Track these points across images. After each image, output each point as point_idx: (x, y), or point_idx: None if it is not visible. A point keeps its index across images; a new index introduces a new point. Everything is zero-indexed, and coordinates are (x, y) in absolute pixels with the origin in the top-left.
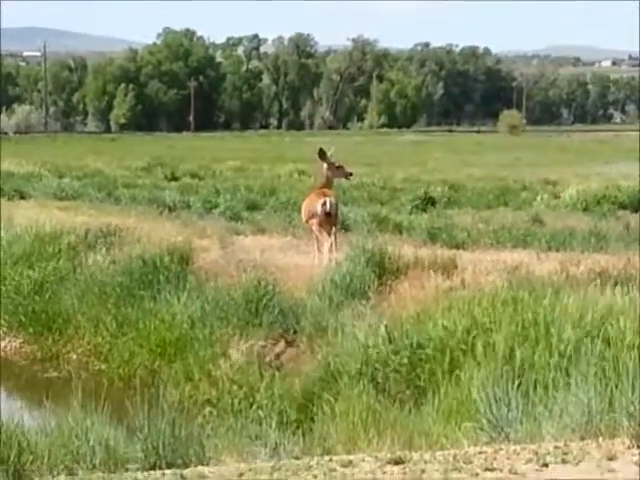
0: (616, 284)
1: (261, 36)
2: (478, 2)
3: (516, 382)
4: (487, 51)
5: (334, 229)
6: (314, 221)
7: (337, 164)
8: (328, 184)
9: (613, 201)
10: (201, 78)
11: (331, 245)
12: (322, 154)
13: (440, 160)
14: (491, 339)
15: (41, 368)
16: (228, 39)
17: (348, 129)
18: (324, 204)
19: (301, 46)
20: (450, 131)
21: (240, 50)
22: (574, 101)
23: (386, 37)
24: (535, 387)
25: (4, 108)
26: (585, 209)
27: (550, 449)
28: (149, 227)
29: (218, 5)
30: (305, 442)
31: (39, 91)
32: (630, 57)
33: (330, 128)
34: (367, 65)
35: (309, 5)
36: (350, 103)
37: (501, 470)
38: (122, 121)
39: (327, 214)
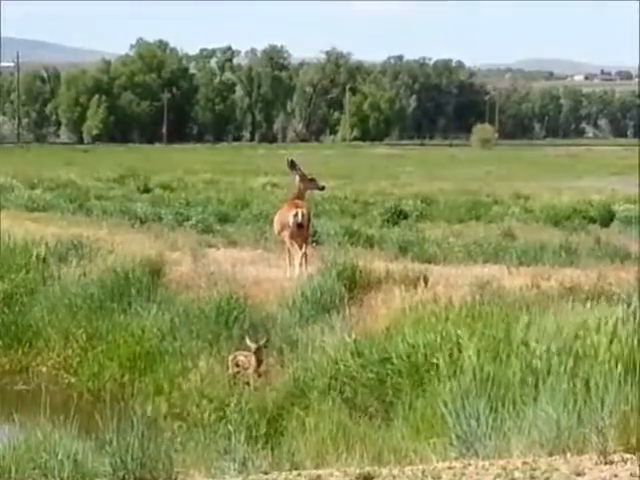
0: (587, 299)
1: (234, 48)
2: (451, 15)
3: (485, 397)
4: (460, 64)
5: (305, 242)
6: (286, 233)
7: (309, 176)
8: (300, 196)
9: (584, 215)
10: (174, 90)
11: (302, 258)
12: (292, 165)
13: (412, 173)
14: (461, 354)
15: (10, 381)
16: (201, 51)
17: (321, 142)
18: (296, 215)
19: (274, 58)
20: (423, 144)
21: (213, 62)
22: (546, 115)
23: (359, 50)
24: (504, 403)
25: None
26: (556, 223)
27: (518, 465)
28: (120, 239)
29: (191, 17)
30: (274, 457)
31: (12, 102)
32: (602, 72)
33: (303, 141)
34: (340, 78)
35: (283, 17)
36: (323, 116)
37: None
38: (95, 132)
39: (299, 225)
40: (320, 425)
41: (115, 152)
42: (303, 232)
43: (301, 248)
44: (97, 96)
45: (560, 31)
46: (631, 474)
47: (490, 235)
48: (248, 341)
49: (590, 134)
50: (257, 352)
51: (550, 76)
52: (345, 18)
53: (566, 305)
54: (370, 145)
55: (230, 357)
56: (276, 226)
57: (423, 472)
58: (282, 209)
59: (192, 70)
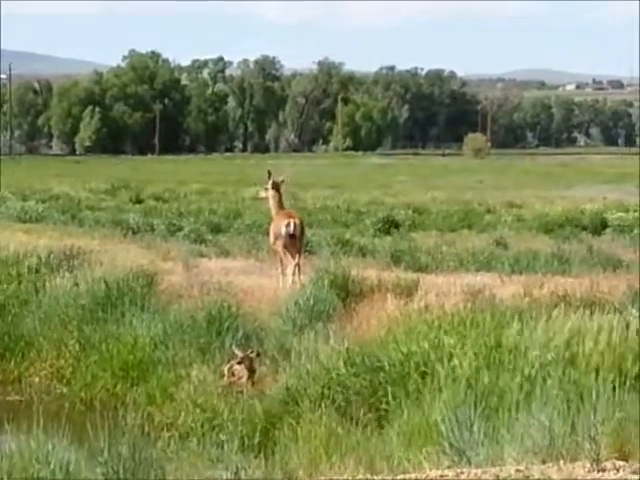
0: (579, 307)
1: (226, 59)
2: (443, 25)
3: (478, 405)
4: (452, 74)
5: (299, 252)
6: (279, 243)
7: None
8: (280, 203)
9: (576, 224)
10: (166, 101)
11: (295, 267)
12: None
13: (405, 183)
14: (453, 362)
15: (3, 391)
16: (193, 62)
17: (313, 152)
18: (288, 225)
19: (267, 69)
20: (415, 154)
21: (205, 73)
22: (538, 124)
23: (351, 60)
24: (497, 410)
25: None
26: (548, 232)
27: (512, 472)
28: (113, 249)
29: (184, 28)
30: (267, 466)
31: (4, 114)
32: (594, 81)
33: (295, 151)
34: (332, 88)
35: (275, 28)
36: (315, 126)
37: None
38: (87, 144)
39: (291, 236)
40: (313, 434)
41: (107, 163)
42: (295, 242)
43: (294, 258)
44: (89, 107)
45: (552, 41)
46: None
47: (482, 244)
48: (236, 350)
49: (582, 143)
50: (245, 361)
51: (542, 86)
52: (337, 29)
53: (559, 313)
54: (363, 155)
55: (226, 367)
56: (271, 236)
57: None
58: (275, 220)
59: (184, 81)
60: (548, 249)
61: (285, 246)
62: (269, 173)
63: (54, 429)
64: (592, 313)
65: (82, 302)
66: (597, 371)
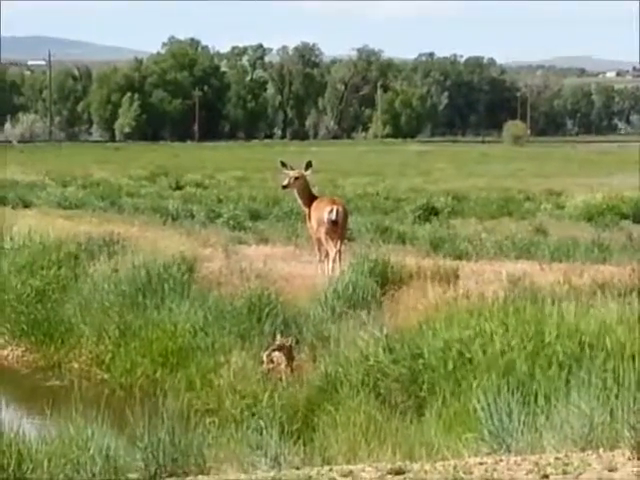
0: (619, 295)
1: (266, 46)
2: (483, 12)
3: (517, 393)
4: (492, 61)
5: (341, 239)
6: (321, 229)
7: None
8: (307, 190)
9: (617, 212)
10: (206, 88)
11: (336, 255)
12: (283, 164)
13: (444, 170)
14: (492, 349)
15: (43, 377)
16: (233, 49)
17: (353, 139)
18: (330, 212)
19: (306, 56)
20: (454, 141)
21: (245, 60)
22: (578, 112)
23: (390, 47)
24: (536, 398)
25: (9, 117)
26: (589, 220)
27: (551, 460)
28: (152, 236)
29: (223, 15)
30: (306, 452)
31: (44, 100)
32: (634, 68)
33: (335, 138)
34: (372, 75)
35: (314, 14)
36: (355, 113)
37: None
38: (127, 130)
39: (333, 222)
40: (352, 420)
41: (147, 150)
42: (337, 229)
43: (336, 245)
44: (129, 94)
45: (592, 28)
46: None
47: (522, 231)
48: (278, 338)
49: (622, 130)
50: (284, 348)
51: (582, 73)
52: (377, 16)
53: (598, 300)
54: (402, 142)
55: (265, 353)
56: (313, 222)
57: (455, 467)
58: (319, 205)
59: (223, 68)
60: (588, 237)
61: (327, 233)
62: (282, 162)
63: (94, 415)
64: (631, 301)
65: (122, 288)
66: (636, 359)
